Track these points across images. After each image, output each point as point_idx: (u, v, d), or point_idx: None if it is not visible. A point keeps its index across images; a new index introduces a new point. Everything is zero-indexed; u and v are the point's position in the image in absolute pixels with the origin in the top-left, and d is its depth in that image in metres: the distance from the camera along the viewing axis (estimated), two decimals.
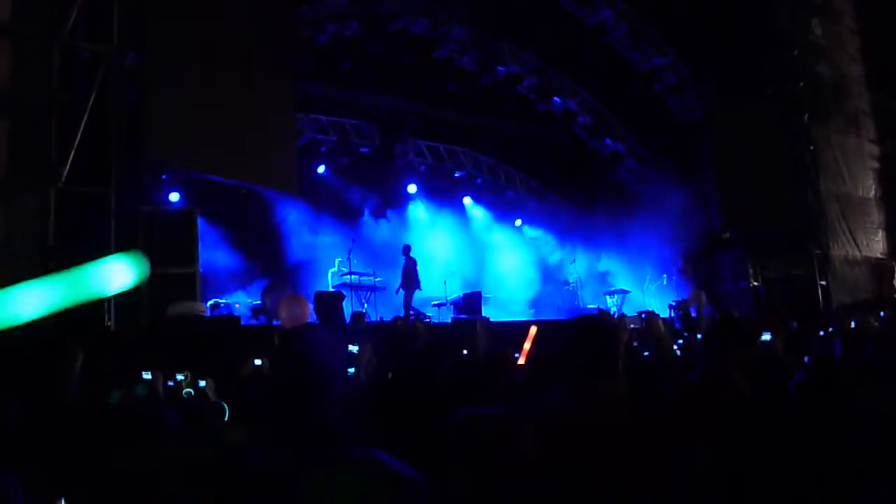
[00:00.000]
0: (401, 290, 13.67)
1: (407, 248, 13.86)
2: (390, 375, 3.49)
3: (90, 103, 9.37)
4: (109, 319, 9.59)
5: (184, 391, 4.41)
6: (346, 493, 1.15)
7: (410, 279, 13.64)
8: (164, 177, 13.06)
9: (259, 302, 12.25)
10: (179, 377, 4.56)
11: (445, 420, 1.78)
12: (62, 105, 8.99)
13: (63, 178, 9.07)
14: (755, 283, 13.71)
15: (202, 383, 4.57)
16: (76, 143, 9.24)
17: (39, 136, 8.58)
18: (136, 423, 3.09)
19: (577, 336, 2.39)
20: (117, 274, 1.58)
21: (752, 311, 12.83)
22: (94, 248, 9.29)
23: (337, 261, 14.42)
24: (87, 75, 9.67)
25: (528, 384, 3.34)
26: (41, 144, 8.68)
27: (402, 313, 12.72)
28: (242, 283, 13.53)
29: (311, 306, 10.18)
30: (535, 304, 15.98)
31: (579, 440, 2.09)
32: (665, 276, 15.46)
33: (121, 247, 9.74)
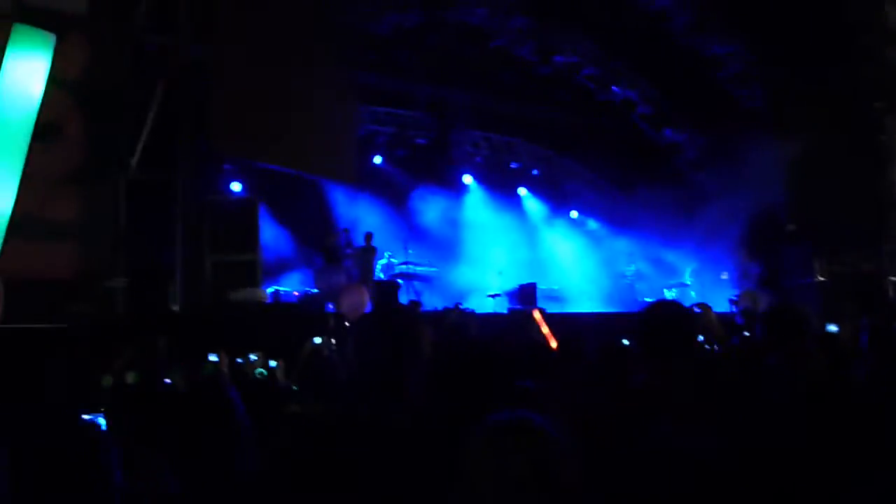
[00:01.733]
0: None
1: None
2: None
3: (158, 94, 9.69)
4: (175, 305, 9.93)
5: (256, 371, 4.53)
6: (509, 452, 1.18)
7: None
8: (226, 167, 13.36)
9: (312, 289, 12.47)
10: (252, 357, 4.67)
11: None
12: (133, 96, 9.31)
13: (133, 168, 9.41)
14: (821, 279, 13.26)
15: (273, 364, 4.67)
16: (144, 133, 9.57)
17: (112, 127, 8.90)
18: (207, 401, 3.20)
19: (657, 321, 2.49)
20: None
21: (818, 308, 12.41)
22: (161, 234, 9.63)
23: (387, 254, 14.45)
24: (154, 67, 9.94)
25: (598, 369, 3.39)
26: (114, 135, 9.01)
27: (453, 304, 12.72)
28: (299, 271, 13.78)
29: (367, 295, 10.29)
30: (592, 296, 15.84)
31: (655, 413, 2.13)
32: (725, 271, 15.13)
33: (186, 233, 10.06)
